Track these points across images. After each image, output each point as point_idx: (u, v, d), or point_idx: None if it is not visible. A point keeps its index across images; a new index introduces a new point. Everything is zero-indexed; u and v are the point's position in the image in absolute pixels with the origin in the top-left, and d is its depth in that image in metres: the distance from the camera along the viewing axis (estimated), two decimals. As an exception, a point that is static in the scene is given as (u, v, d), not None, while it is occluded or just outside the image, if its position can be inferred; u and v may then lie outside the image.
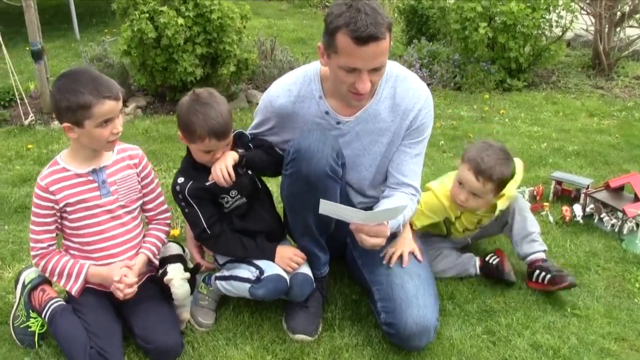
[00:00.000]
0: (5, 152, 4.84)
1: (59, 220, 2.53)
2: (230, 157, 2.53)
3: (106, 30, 9.30)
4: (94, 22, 10.09)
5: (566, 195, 3.84)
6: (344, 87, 2.40)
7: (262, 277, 2.54)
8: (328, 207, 2.26)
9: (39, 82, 5.63)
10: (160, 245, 2.72)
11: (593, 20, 7.00)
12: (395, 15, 8.71)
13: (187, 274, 2.64)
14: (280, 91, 2.64)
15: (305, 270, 2.66)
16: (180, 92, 5.85)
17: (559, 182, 3.84)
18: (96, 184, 2.50)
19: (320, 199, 2.24)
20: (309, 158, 2.38)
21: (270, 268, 2.58)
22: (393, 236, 2.64)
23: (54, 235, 2.55)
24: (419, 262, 2.66)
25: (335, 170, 2.43)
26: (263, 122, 2.73)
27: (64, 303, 2.59)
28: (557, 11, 6.44)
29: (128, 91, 5.93)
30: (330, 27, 2.29)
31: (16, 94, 5.62)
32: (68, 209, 2.48)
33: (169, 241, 2.93)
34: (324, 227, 2.61)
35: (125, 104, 5.82)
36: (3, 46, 5.37)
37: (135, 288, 2.49)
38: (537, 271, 2.86)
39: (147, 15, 5.26)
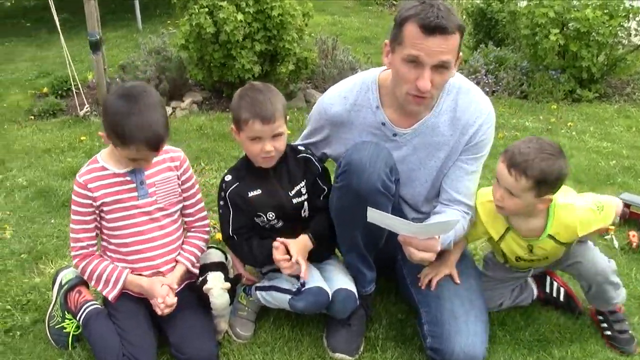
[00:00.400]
0: (59, 143, 4.86)
1: (98, 220, 2.46)
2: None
3: (169, 22, 9.32)
4: (157, 13, 10.16)
5: (634, 219, 3.59)
6: (404, 88, 2.28)
7: (303, 289, 2.44)
8: (376, 216, 2.16)
9: (95, 73, 5.64)
10: (199, 253, 2.64)
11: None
12: (464, 17, 8.47)
13: (227, 284, 2.54)
14: (336, 98, 2.53)
15: (350, 285, 2.53)
16: (237, 89, 5.75)
17: (627, 205, 3.59)
18: (134, 185, 2.42)
19: (368, 207, 2.14)
20: (360, 172, 2.27)
21: (312, 280, 2.47)
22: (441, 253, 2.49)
23: (93, 235, 2.48)
24: (471, 286, 2.53)
25: (387, 186, 2.31)
26: (315, 131, 2.63)
27: (100, 307, 2.53)
28: (637, 19, 6.07)
29: (184, 85, 5.88)
30: (399, 19, 2.23)
31: (72, 84, 5.63)
32: (105, 208, 2.41)
33: (211, 247, 2.84)
34: (372, 244, 2.49)
35: (181, 99, 5.78)
36: (61, 35, 5.37)
37: (174, 305, 2.41)
38: (601, 318, 2.64)
39: (207, 9, 5.18)
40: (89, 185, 2.38)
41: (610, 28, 5.87)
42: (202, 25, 5.13)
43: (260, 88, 2.44)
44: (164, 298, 2.38)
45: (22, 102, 6.09)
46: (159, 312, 2.38)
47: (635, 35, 6.27)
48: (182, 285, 2.57)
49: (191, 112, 5.61)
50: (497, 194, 2.39)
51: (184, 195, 2.57)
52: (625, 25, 6.07)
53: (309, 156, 2.58)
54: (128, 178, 2.41)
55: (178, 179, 2.53)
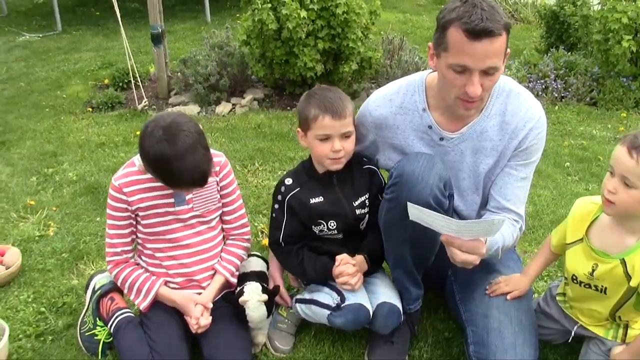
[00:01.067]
0: (114, 137, 4.83)
1: (134, 225, 2.38)
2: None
3: (238, 15, 9.25)
4: (227, 6, 10.12)
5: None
6: (453, 93, 2.17)
7: (343, 305, 2.34)
8: (417, 213, 2.04)
9: (157, 66, 5.61)
10: (238, 262, 2.54)
11: None
12: (536, 19, 8.10)
13: (265, 296, 2.44)
14: (381, 101, 2.44)
15: (394, 300, 2.41)
16: (299, 87, 5.65)
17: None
18: (171, 190, 2.32)
19: (408, 203, 2.04)
20: (411, 185, 2.17)
21: (353, 296, 2.37)
22: (489, 267, 2.41)
23: (128, 241, 2.41)
24: (522, 305, 2.36)
25: (439, 201, 2.19)
26: (361, 137, 2.51)
27: (132, 315, 2.46)
28: None
29: (246, 82, 5.79)
30: (441, 22, 2.11)
31: (133, 76, 5.61)
32: (140, 213, 2.34)
33: (253, 254, 2.74)
34: (421, 260, 2.38)
35: (241, 95, 5.69)
36: (121, 26, 5.34)
37: (209, 322, 2.33)
38: None
39: (270, 5, 5.06)
40: (125, 190, 2.30)
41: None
42: (264, 22, 5.02)
43: (328, 88, 2.42)
44: (198, 320, 2.30)
45: (81, 94, 6.08)
46: (193, 331, 2.31)
47: None
48: (219, 296, 2.48)
49: (251, 109, 5.51)
50: (610, 185, 2.02)
51: (224, 201, 2.47)
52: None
53: (375, 168, 2.50)
54: None
55: (217, 184, 2.43)
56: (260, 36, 5.19)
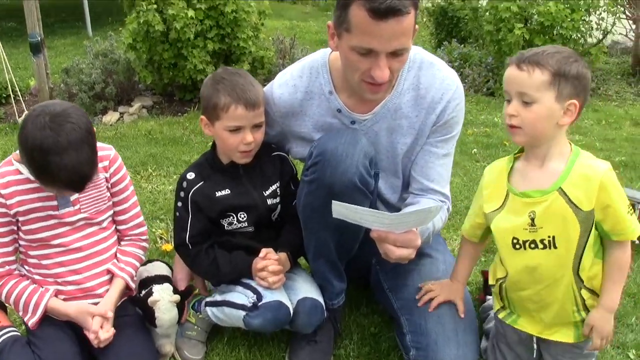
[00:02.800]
0: (-9, 153, 4.47)
1: (16, 231, 2.12)
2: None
3: (121, 29, 8.98)
4: (109, 21, 9.80)
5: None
6: (356, 76, 2.00)
7: (260, 303, 2.15)
8: (342, 211, 1.87)
9: (37, 77, 5.28)
10: (137, 264, 2.31)
11: (633, 25, 6.55)
12: (424, 19, 8.29)
13: (177, 297, 2.26)
14: (285, 88, 2.25)
15: (316, 295, 2.25)
16: (190, 92, 5.49)
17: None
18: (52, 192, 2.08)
19: (333, 201, 1.85)
20: (335, 164, 1.99)
21: (270, 293, 2.18)
22: (419, 252, 2.18)
23: (10, 250, 2.14)
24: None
25: (365, 181, 2.03)
26: (266, 125, 2.30)
27: (18, 334, 2.18)
28: (597, 13, 5.99)
29: (133, 89, 5.55)
30: (343, 0, 1.91)
31: (12, 90, 5.27)
32: (20, 218, 2.07)
33: (155, 260, 2.53)
34: (345, 249, 2.21)
35: (129, 104, 5.45)
36: None
37: (112, 334, 2.09)
38: None
39: (155, 6, 4.87)
40: (2, 192, 2.03)
41: (573, 22, 5.77)
42: (150, 23, 4.83)
43: (237, 71, 2.23)
44: (97, 334, 2.06)
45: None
46: (95, 346, 2.08)
47: (597, 29, 6.17)
48: (119, 303, 2.24)
49: (140, 117, 5.28)
50: (510, 109, 1.84)
51: (115, 199, 2.23)
52: (587, 19, 5.97)
53: (284, 155, 2.34)
54: None
55: (107, 181, 2.19)
56: (147, 39, 4.99)
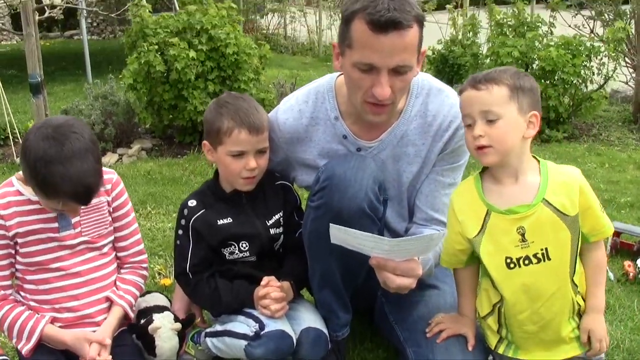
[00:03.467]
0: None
1: (13, 255, 2.03)
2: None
3: (120, 76, 9.02)
4: (110, 69, 9.83)
5: (625, 249, 3.34)
6: (359, 95, 1.96)
7: (262, 332, 2.06)
8: (341, 235, 1.81)
9: (36, 118, 5.21)
10: (137, 293, 2.21)
11: (633, 73, 6.56)
12: (425, 67, 8.34)
13: (178, 325, 2.17)
14: (290, 113, 2.20)
15: (320, 325, 2.14)
16: (189, 135, 5.44)
17: (617, 234, 3.34)
18: (54, 214, 2.01)
19: (331, 224, 1.80)
20: (343, 188, 1.93)
21: (273, 322, 2.08)
22: (422, 283, 2.10)
23: (7, 274, 2.05)
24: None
25: (374, 207, 1.97)
26: (270, 152, 2.23)
27: None
28: (598, 58, 5.99)
29: (133, 131, 5.49)
30: (345, 15, 1.90)
31: (11, 132, 5.21)
32: (19, 240, 2.00)
33: (155, 291, 2.43)
34: (351, 278, 2.11)
35: (128, 145, 5.38)
36: None
37: None
38: None
39: (157, 47, 4.86)
40: (2, 212, 1.97)
41: (575, 67, 5.77)
42: (151, 63, 4.80)
43: (241, 96, 2.21)
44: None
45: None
46: None
47: (598, 74, 6.17)
48: (117, 333, 2.13)
49: (139, 159, 5.20)
50: (476, 130, 1.80)
51: (117, 224, 2.16)
52: (588, 64, 5.97)
53: (288, 184, 2.27)
54: None
55: (109, 205, 2.12)
56: (148, 79, 4.96)
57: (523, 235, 1.84)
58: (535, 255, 1.84)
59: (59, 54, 12.05)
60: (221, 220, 2.17)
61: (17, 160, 5.00)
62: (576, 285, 1.89)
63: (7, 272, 2.04)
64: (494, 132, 1.79)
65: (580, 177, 1.85)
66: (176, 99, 5.07)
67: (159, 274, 3.06)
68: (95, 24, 15.88)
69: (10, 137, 5.18)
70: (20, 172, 2.01)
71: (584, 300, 1.92)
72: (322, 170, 2.02)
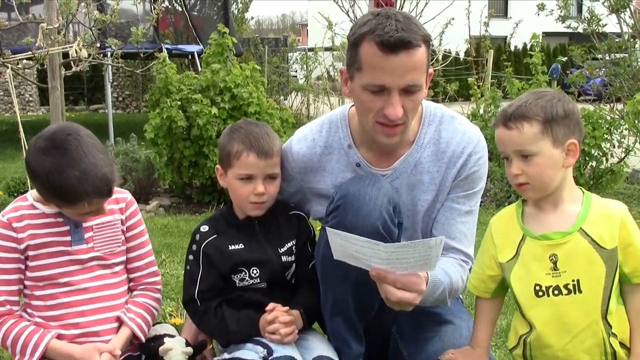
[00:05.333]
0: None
1: (23, 270, 1.98)
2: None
3: (143, 143, 9.18)
4: (132, 136, 10.01)
5: None
6: (370, 117, 1.95)
7: (270, 358, 1.98)
8: (339, 242, 1.76)
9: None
10: (149, 318, 2.13)
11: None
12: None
13: (190, 349, 2.07)
14: (304, 142, 2.19)
15: (331, 354, 2.05)
16: (208, 194, 5.43)
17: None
18: (67, 227, 1.98)
19: (327, 228, 1.77)
20: (357, 206, 1.89)
21: (282, 348, 2.01)
22: (438, 317, 2.05)
23: (15, 289, 1.99)
24: None
25: (389, 228, 1.92)
26: (284, 182, 2.22)
27: None
28: (619, 131, 5.99)
29: (152, 187, 5.52)
30: (353, 39, 1.92)
31: (29, 186, 5.24)
32: (30, 252, 1.96)
33: (164, 322, 2.35)
34: (365, 306, 2.03)
35: (147, 202, 5.38)
36: (22, 136, 4.97)
37: None
38: None
39: (179, 103, 4.93)
40: (15, 225, 1.93)
41: (595, 139, 5.76)
42: (173, 119, 4.86)
43: (255, 122, 2.22)
44: None
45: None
46: None
47: (618, 147, 6.15)
48: (123, 357, 2.04)
49: (157, 214, 5.20)
50: (513, 169, 1.78)
51: (130, 244, 2.12)
52: (609, 137, 5.97)
53: (303, 214, 2.24)
54: (60, 219, 1.98)
55: (122, 224, 2.09)
56: (169, 135, 5.01)
57: (555, 263, 1.78)
58: (565, 286, 1.77)
59: (83, 124, 12.26)
60: (232, 246, 2.14)
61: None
62: (610, 326, 1.76)
63: (15, 287, 1.98)
64: (530, 170, 1.76)
65: (624, 211, 1.77)
66: (196, 156, 5.10)
67: (170, 315, 3.01)
68: (120, 99, 16.31)
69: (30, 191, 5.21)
70: (34, 191, 2.00)
71: (626, 348, 1.79)
72: (336, 191, 2.00)
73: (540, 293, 1.79)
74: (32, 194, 2.00)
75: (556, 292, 1.77)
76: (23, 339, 1.92)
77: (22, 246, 1.95)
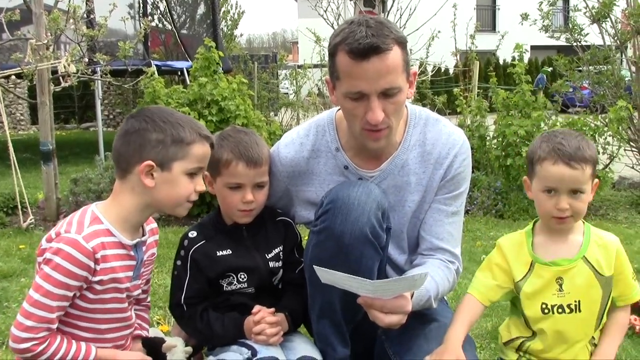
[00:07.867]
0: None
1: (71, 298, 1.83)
2: None
3: (133, 159, 9.21)
4: (122, 152, 10.06)
5: (633, 306, 3.24)
6: (357, 124, 2.00)
7: (254, 358, 2.02)
8: (327, 276, 1.82)
9: (45, 186, 5.29)
10: (148, 328, 2.16)
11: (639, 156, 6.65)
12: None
13: (190, 349, 2.16)
14: (292, 146, 2.23)
15: (315, 354, 2.09)
16: (198, 206, 5.44)
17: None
18: (134, 262, 1.89)
19: (315, 266, 1.80)
20: (346, 211, 1.92)
21: (265, 349, 2.06)
22: (424, 317, 2.11)
23: (62, 314, 1.82)
24: None
25: (377, 233, 1.96)
26: (271, 187, 2.25)
27: None
28: (603, 137, 6.06)
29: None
30: (330, 50, 1.98)
31: (19, 201, 5.27)
32: (97, 287, 1.81)
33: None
34: (352, 310, 2.04)
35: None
36: (12, 154, 5.03)
37: None
38: None
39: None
40: (98, 255, 1.76)
41: (579, 146, 5.83)
42: (160, 132, 4.90)
43: (244, 130, 2.24)
44: None
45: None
46: None
47: (603, 154, 6.23)
48: None
49: (146, 227, 5.22)
50: (563, 204, 1.92)
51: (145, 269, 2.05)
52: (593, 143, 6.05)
53: (290, 220, 2.28)
54: (132, 253, 1.87)
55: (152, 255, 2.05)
56: (157, 149, 5.05)
57: (561, 285, 2.00)
58: (568, 305, 2.00)
59: (74, 142, 12.34)
60: (220, 252, 2.17)
61: (24, 224, 5.02)
62: (594, 339, 2.04)
63: (62, 313, 1.80)
64: (576, 205, 1.94)
65: (618, 243, 2.03)
66: (185, 169, 5.13)
67: (158, 322, 3.08)
68: (111, 117, 16.28)
69: (19, 206, 5.22)
70: (107, 206, 1.86)
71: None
72: (325, 195, 2.03)
73: (546, 310, 2.00)
74: (105, 214, 1.82)
75: (560, 310, 2.00)
76: (71, 355, 1.80)
77: (95, 279, 1.79)
